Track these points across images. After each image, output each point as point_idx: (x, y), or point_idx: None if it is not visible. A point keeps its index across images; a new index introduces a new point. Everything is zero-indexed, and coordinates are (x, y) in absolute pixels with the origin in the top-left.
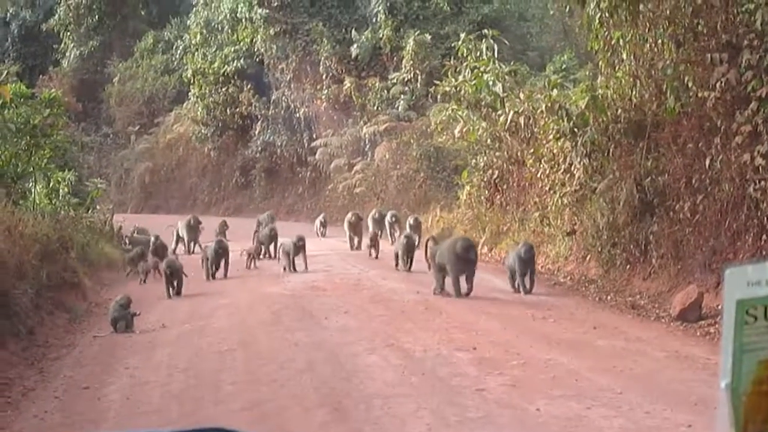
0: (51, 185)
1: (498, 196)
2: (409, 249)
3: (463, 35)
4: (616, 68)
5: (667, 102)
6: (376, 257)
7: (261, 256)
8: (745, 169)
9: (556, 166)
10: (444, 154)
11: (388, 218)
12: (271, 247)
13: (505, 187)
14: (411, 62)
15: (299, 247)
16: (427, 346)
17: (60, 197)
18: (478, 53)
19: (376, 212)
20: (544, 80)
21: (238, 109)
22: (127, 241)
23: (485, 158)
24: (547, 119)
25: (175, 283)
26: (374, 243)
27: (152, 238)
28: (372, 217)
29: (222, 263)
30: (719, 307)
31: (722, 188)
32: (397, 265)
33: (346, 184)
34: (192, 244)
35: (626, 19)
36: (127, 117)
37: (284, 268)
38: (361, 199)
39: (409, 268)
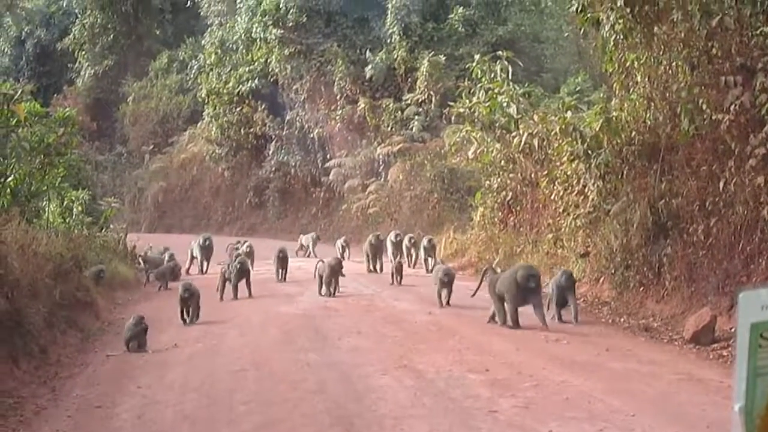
0: (65, 204)
1: (511, 218)
2: (449, 283)
3: (477, 56)
4: (631, 90)
5: (681, 124)
6: (400, 283)
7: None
8: (759, 192)
9: (570, 188)
10: (458, 176)
11: (405, 242)
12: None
13: (518, 208)
14: (425, 83)
15: (335, 270)
16: (440, 367)
17: (74, 216)
18: (493, 75)
19: (394, 234)
20: (558, 102)
21: (252, 129)
22: (141, 261)
23: (499, 180)
24: (561, 141)
25: (191, 309)
26: (399, 269)
27: (166, 257)
28: (391, 240)
29: (243, 283)
30: (732, 330)
31: (736, 211)
32: (441, 303)
33: (360, 204)
34: (205, 264)
35: (641, 41)
36: (141, 136)
37: (320, 292)
38: (374, 220)
39: (447, 301)
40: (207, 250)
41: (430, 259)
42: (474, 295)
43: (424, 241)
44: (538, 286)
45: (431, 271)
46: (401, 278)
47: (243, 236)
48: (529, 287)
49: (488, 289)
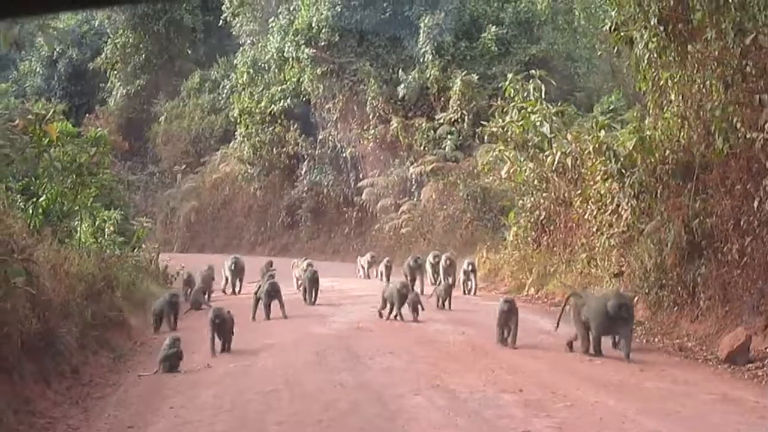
0: (97, 224)
1: (545, 237)
2: (510, 318)
3: (510, 75)
4: (664, 109)
5: (716, 143)
6: (450, 308)
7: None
8: None
9: (604, 207)
10: (491, 195)
11: (441, 263)
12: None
13: (552, 228)
14: (458, 102)
15: (403, 294)
16: (473, 387)
17: (106, 236)
18: (526, 93)
19: (433, 256)
20: (592, 121)
21: (284, 149)
22: (184, 281)
23: (532, 199)
24: (594, 160)
25: (223, 337)
26: (448, 295)
27: (196, 277)
28: (430, 261)
29: (275, 303)
30: None
31: None
32: (501, 340)
33: (393, 224)
34: (238, 285)
35: (674, 59)
36: (173, 156)
37: (387, 316)
38: (407, 240)
39: (513, 341)
40: (236, 272)
41: (470, 282)
42: (557, 327)
43: (464, 264)
44: (630, 317)
45: (470, 293)
46: (450, 303)
47: (275, 256)
48: (621, 317)
49: (572, 315)
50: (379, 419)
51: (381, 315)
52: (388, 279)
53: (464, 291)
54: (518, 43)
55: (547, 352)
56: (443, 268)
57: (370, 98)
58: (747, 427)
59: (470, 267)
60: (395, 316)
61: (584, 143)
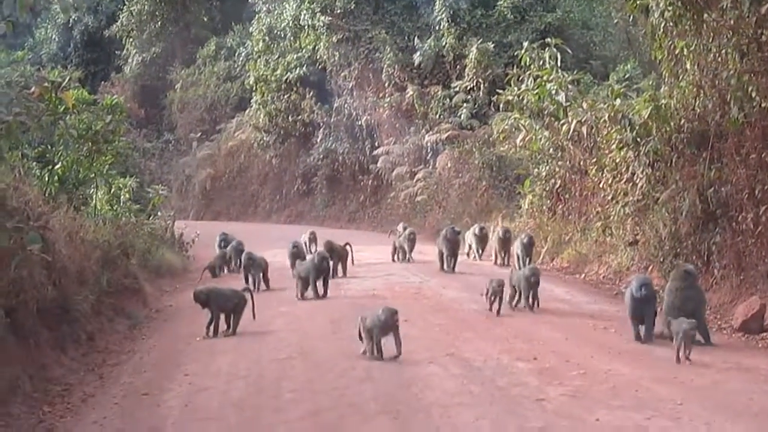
0: (112, 191)
1: (560, 206)
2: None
3: (526, 44)
4: (680, 78)
5: (731, 112)
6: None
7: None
8: None
9: (619, 175)
10: (506, 163)
11: (498, 235)
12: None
13: (567, 196)
14: (474, 70)
15: (533, 283)
16: (488, 355)
17: (121, 203)
18: (541, 62)
19: (479, 228)
20: (607, 89)
21: (300, 117)
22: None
23: (547, 167)
24: (609, 129)
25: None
26: (498, 293)
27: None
28: (475, 233)
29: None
30: None
31: None
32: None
33: (408, 192)
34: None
35: (690, 28)
36: (188, 123)
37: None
38: (422, 208)
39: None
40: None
41: (528, 259)
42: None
43: (522, 237)
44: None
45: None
46: (500, 304)
47: (290, 224)
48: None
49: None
50: (393, 387)
51: (511, 305)
52: (409, 252)
53: (520, 267)
54: (534, 11)
55: (561, 320)
56: (500, 239)
57: (385, 66)
58: (760, 396)
59: (529, 241)
60: (525, 306)
61: (600, 112)
